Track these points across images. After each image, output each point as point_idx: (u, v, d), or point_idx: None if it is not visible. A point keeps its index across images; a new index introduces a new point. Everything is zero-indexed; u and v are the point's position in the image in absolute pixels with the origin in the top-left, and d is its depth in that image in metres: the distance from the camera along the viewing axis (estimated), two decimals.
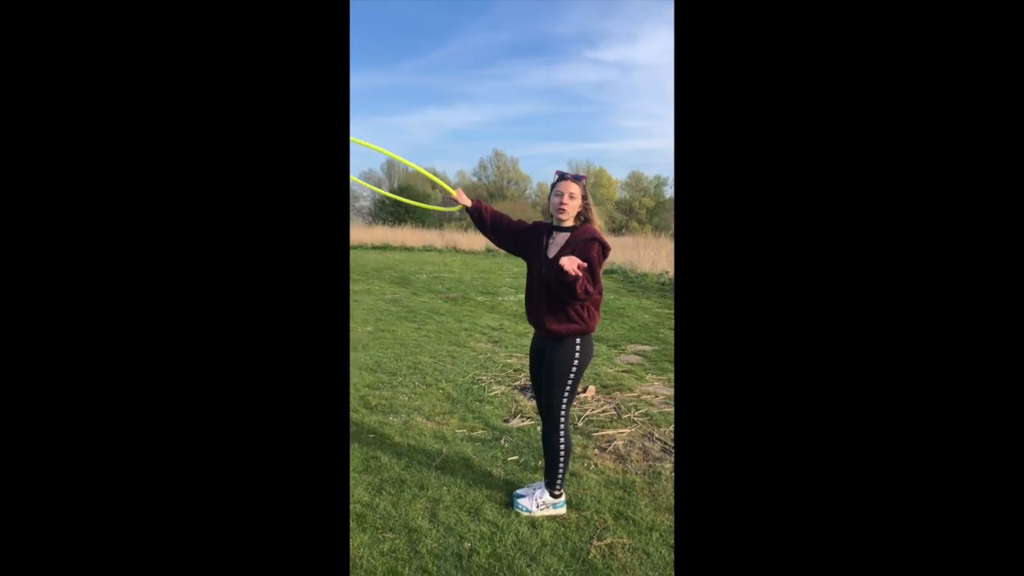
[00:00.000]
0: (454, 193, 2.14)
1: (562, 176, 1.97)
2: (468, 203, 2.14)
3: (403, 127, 63.56)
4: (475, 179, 43.01)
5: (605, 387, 3.69)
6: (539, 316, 1.99)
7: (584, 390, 3.57)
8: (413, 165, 2.42)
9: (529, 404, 3.27)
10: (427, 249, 17.05)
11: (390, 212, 26.33)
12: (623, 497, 2.22)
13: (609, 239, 1.99)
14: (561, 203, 1.94)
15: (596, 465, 2.51)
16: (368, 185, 2.46)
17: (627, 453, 2.66)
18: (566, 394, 2.00)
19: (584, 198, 1.96)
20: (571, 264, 1.73)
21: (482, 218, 2.12)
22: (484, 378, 3.78)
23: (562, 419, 2.02)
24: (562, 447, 2.03)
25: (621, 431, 2.93)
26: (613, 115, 63.24)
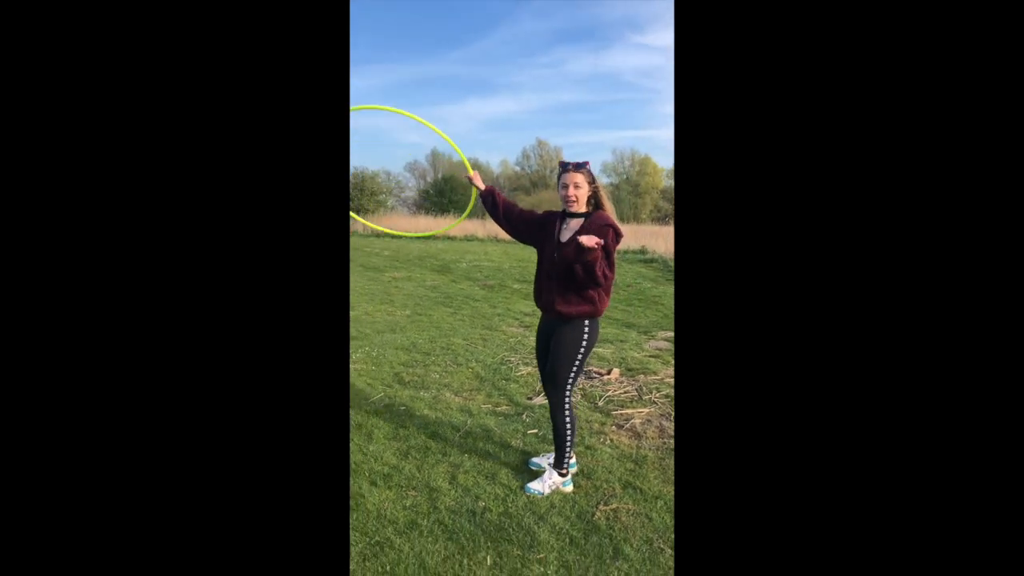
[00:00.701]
0: (471, 172, 2.25)
1: (564, 167, 2.04)
2: (482, 187, 2.25)
3: (445, 117, 64.12)
4: (518, 168, 43.04)
5: (630, 370, 3.78)
6: (549, 299, 2.06)
7: (608, 372, 3.68)
8: (426, 122, 2.34)
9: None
10: (469, 239, 17.32)
11: (434, 202, 26.81)
12: (634, 469, 2.33)
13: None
14: (567, 195, 2.02)
15: (611, 440, 2.63)
16: (361, 219, 2.57)
17: (643, 431, 2.76)
18: (572, 373, 2.08)
19: (591, 183, 2.02)
20: (590, 240, 1.80)
21: (495, 203, 2.23)
22: (513, 359, 3.94)
23: (567, 398, 2.11)
24: (568, 425, 2.12)
25: (640, 410, 3.03)
26: (659, 102, 61.64)
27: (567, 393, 2.11)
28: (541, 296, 2.13)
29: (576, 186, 2.01)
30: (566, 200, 2.04)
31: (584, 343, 2.06)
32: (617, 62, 60.22)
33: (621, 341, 4.66)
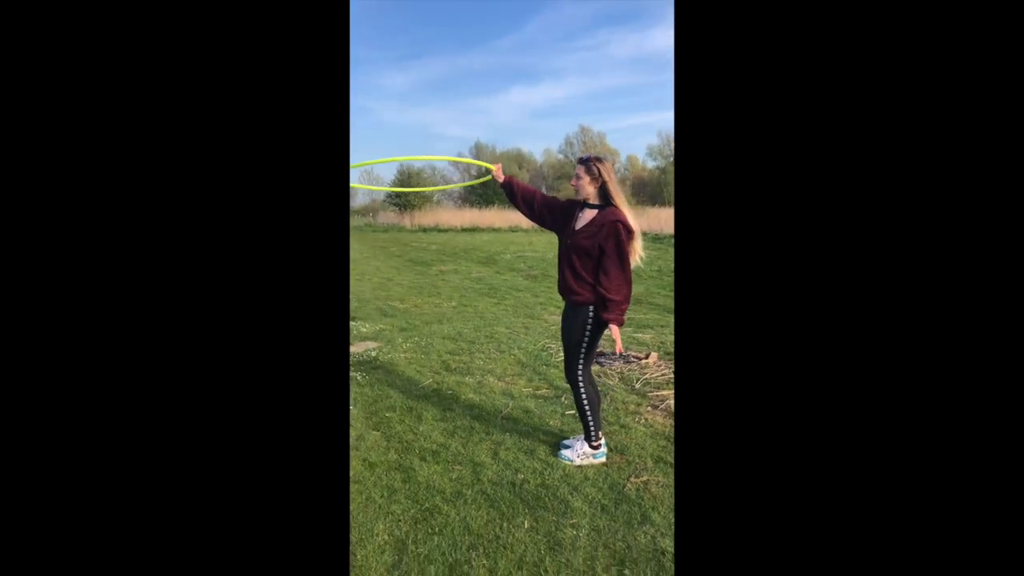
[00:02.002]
0: (494, 168, 2.39)
1: (578, 160, 2.22)
2: (502, 179, 2.39)
3: (488, 108, 64.69)
4: (561, 156, 42.81)
5: (668, 354, 3.86)
6: (563, 284, 2.23)
7: (646, 356, 3.78)
8: (420, 157, 2.61)
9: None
10: (513, 230, 17.52)
11: (479, 195, 27.13)
12: (665, 446, 2.45)
13: None
14: (572, 183, 2.22)
15: (646, 420, 2.75)
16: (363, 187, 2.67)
17: None
18: (581, 357, 2.22)
19: (596, 177, 2.15)
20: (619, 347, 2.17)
21: (513, 192, 2.39)
22: (553, 346, 4.10)
23: (580, 379, 2.25)
24: (586, 403, 2.27)
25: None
26: None
27: (579, 375, 2.25)
28: (559, 283, 2.28)
29: (577, 177, 2.19)
30: (575, 189, 2.23)
31: (588, 328, 2.18)
32: (661, 42, 58.63)
33: (662, 326, 4.73)
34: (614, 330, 2.12)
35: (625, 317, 2.15)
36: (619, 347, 2.17)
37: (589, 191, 2.18)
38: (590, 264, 2.14)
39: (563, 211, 2.30)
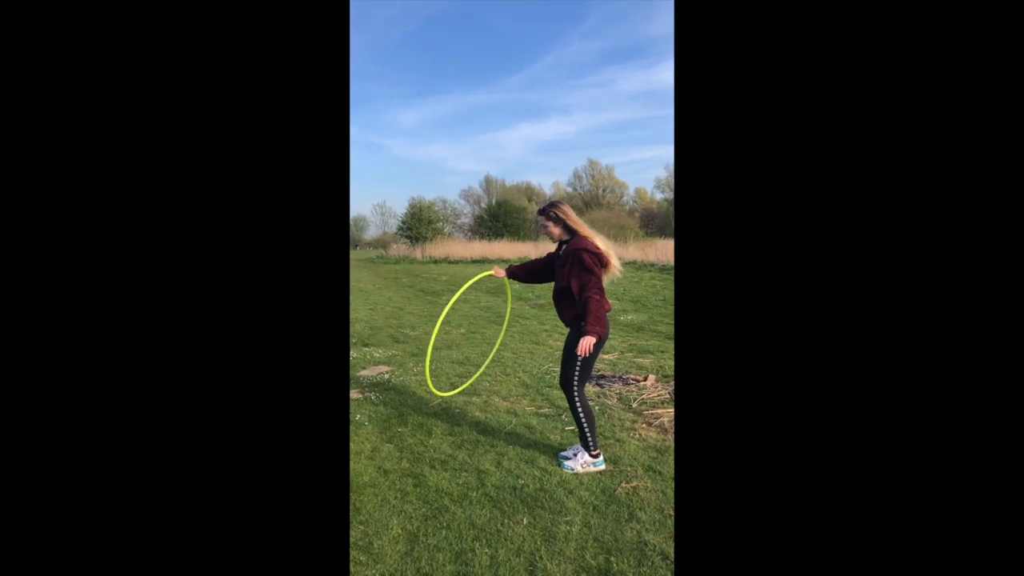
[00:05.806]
0: (492, 272, 2.81)
1: (538, 212, 2.57)
2: (503, 274, 2.79)
3: (500, 143, 66.30)
4: (570, 189, 43.55)
5: (666, 376, 4.06)
6: (559, 310, 2.54)
7: (644, 378, 3.98)
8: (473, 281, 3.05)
9: (592, 389, 3.76)
10: (523, 260, 17.83)
11: (488, 227, 27.67)
12: (657, 457, 2.65)
13: None
14: (543, 233, 2.57)
15: (640, 434, 2.96)
16: None
17: (670, 427, 3.06)
18: (577, 372, 2.46)
19: (556, 220, 2.49)
20: (584, 349, 2.33)
21: (516, 274, 2.80)
22: (556, 370, 4.31)
23: (576, 393, 2.49)
24: (582, 416, 2.50)
25: (669, 410, 3.33)
26: None
27: (575, 390, 2.49)
28: (557, 311, 2.59)
29: (543, 226, 2.55)
30: (546, 236, 2.58)
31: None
32: (667, 77, 60.27)
33: (662, 352, 4.94)
34: (586, 339, 2.32)
35: (602, 330, 2.33)
36: (582, 348, 2.33)
37: (556, 232, 2.53)
38: (573, 295, 2.42)
39: (551, 263, 2.66)
